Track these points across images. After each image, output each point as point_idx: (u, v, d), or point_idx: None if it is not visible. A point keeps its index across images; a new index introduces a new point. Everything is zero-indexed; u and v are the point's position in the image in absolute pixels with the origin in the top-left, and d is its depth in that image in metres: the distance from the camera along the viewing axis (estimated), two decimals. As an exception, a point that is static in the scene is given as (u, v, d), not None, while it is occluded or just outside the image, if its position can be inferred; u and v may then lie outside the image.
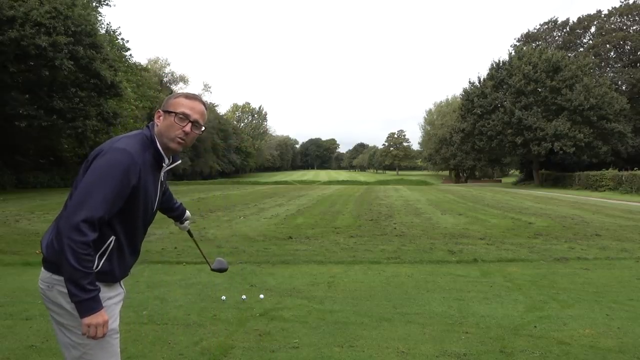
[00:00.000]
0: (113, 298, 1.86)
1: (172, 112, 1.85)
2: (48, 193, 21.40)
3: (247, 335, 3.63)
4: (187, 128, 1.86)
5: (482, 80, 45.26)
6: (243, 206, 15.81)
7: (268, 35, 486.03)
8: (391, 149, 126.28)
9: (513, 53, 45.19)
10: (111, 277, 1.83)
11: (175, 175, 65.19)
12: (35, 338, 3.55)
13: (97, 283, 1.69)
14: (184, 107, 1.86)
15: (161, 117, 1.87)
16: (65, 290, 1.67)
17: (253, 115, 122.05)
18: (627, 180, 29.86)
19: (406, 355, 3.29)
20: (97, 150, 1.76)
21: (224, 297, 4.60)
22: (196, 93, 1.94)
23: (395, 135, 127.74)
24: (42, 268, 1.81)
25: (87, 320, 1.66)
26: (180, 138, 1.85)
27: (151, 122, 1.91)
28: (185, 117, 1.85)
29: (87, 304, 1.65)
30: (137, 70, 35.53)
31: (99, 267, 1.75)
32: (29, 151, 26.88)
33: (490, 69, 44.85)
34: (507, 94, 42.36)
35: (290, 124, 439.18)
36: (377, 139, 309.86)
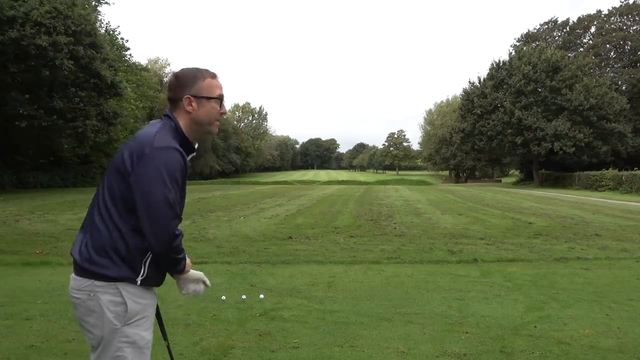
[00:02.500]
0: (152, 305, 1.79)
1: (209, 97, 1.74)
2: (48, 193, 21.40)
3: (247, 335, 3.63)
4: (225, 109, 1.82)
5: (482, 80, 45.26)
6: (243, 206, 15.81)
7: (268, 35, 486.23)
8: (391, 149, 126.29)
9: (513, 53, 45.21)
10: (155, 281, 1.77)
11: (175, 175, 65.23)
12: (35, 338, 3.55)
13: (138, 288, 1.69)
14: (219, 88, 1.78)
15: (194, 104, 1.73)
16: (112, 298, 1.63)
17: (253, 115, 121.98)
18: (627, 180, 29.86)
19: (406, 355, 3.29)
20: (138, 149, 1.61)
21: (224, 297, 4.60)
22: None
23: (395, 135, 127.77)
24: (76, 276, 1.67)
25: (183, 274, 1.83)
26: (218, 121, 1.80)
27: (168, 111, 1.77)
28: (221, 98, 1.79)
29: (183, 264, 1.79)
30: (137, 70, 35.49)
31: (146, 273, 1.68)
32: (29, 151, 26.84)
33: (490, 69, 44.85)
34: (507, 94, 42.36)
35: (290, 124, 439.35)
36: (377, 139, 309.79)
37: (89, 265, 1.63)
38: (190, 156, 1.79)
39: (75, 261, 1.68)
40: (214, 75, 1.79)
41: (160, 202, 1.57)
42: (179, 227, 1.70)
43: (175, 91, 1.75)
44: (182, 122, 1.74)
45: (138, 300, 1.67)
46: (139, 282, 1.67)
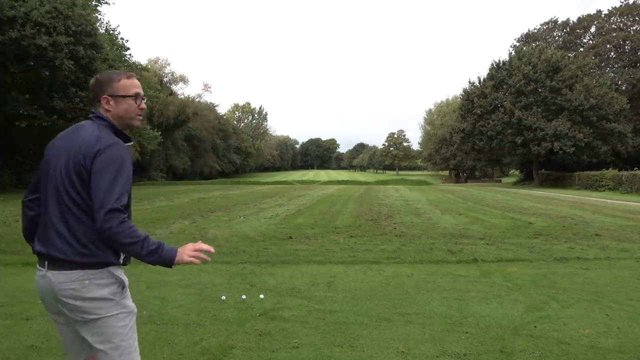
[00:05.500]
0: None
1: (125, 95, 1.95)
2: (48, 193, 21.36)
3: (247, 335, 3.63)
4: (143, 105, 2.01)
5: (482, 80, 45.25)
6: (243, 206, 15.81)
7: (268, 35, 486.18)
8: (391, 149, 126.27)
9: (513, 53, 45.17)
10: (129, 260, 1.98)
11: (175, 175, 65.29)
12: (35, 338, 3.55)
13: (121, 268, 1.93)
14: (134, 87, 1.98)
15: (111, 102, 1.93)
16: (107, 280, 1.84)
17: (253, 115, 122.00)
18: (627, 180, 29.85)
19: (406, 355, 3.29)
20: (91, 147, 1.81)
21: (224, 297, 4.60)
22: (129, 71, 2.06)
23: (395, 135, 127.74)
24: (64, 271, 1.81)
25: (178, 260, 1.89)
26: (139, 115, 2.01)
27: (95, 112, 1.96)
28: (138, 96, 1.98)
29: (166, 254, 1.85)
30: (137, 69, 35.48)
31: (124, 256, 1.92)
32: (29, 151, 26.84)
33: (490, 69, 44.83)
34: (507, 94, 42.35)
35: (290, 124, 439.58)
36: (377, 139, 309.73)
37: (80, 258, 1.80)
38: (129, 144, 1.98)
39: (56, 257, 1.82)
40: (129, 76, 1.99)
41: (106, 186, 1.79)
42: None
43: (95, 92, 1.96)
44: (112, 118, 1.97)
45: (124, 277, 1.94)
46: (121, 262, 1.93)
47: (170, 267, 1.89)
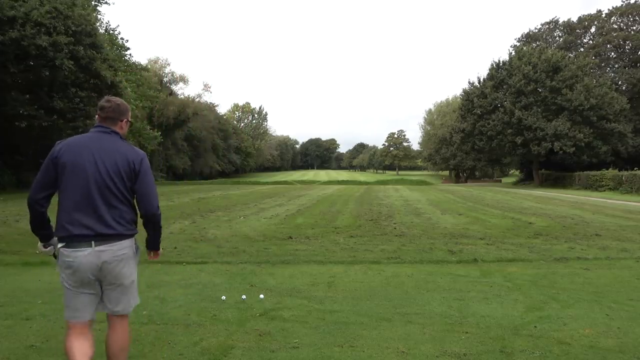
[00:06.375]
0: None
1: (128, 120, 2.74)
2: (48, 193, 21.35)
3: (247, 335, 3.63)
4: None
5: (481, 80, 45.26)
6: (243, 206, 15.82)
7: (268, 35, 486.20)
8: (391, 149, 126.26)
9: (513, 53, 45.14)
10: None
11: (176, 175, 65.29)
12: (35, 338, 3.55)
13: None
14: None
15: (125, 126, 2.74)
16: (135, 245, 2.67)
17: (253, 115, 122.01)
18: (627, 180, 29.85)
19: (406, 355, 3.29)
20: (137, 156, 2.62)
21: (224, 297, 4.60)
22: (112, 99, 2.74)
23: (395, 135, 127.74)
24: (112, 243, 2.50)
25: (160, 251, 2.86)
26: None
27: (113, 128, 2.65)
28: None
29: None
30: (136, 69, 35.47)
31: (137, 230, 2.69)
32: (29, 151, 26.83)
33: (490, 69, 44.81)
34: (507, 94, 42.32)
35: (290, 124, 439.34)
36: (377, 139, 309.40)
37: (125, 230, 2.55)
38: None
39: (107, 234, 2.49)
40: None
41: (152, 185, 2.68)
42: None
43: (118, 114, 2.66)
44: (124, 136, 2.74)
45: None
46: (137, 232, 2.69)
47: (158, 250, 2.83)
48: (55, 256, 2.59)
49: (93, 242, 2.44)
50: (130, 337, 2.78)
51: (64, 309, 2.57)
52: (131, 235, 2.59)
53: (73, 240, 2.44)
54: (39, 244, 2.64)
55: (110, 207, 2.48)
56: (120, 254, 2.52)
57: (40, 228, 2.58)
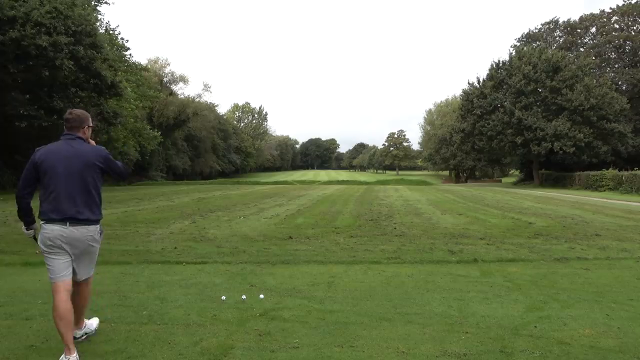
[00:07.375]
0: None
1: (89, 126, 3.42)
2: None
3: (247, 335, 3.63)
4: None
5: (481, 81, 45.28)
6: (243, 206, 15.81)
7: (268, 35, 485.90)
8: (391, 149, 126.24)
9: (513, 53, 45.21)
10: None
11: (176, 175, 65.32)
12: (35, 338, 3.55)
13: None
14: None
15: (87, 131, 3.41)
16: (100, 229, 3.38)
17: (253, 115, 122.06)
18: (627, 180, 29.85)
19: (406, 355, 3.29)
20: (99, 153, 3.35)
21: (224, 297, 4.60)
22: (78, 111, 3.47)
23: (395, 135, 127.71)
24: (86, 226, 3.22)
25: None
26: None
27: (76, 133, 3.33)
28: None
29: None
30: (136, 69, 35.48)
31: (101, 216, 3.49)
32: (29, 151, 26.78)
33: (490, 69, 44.86)
34: (507, 94, 42.36)
35: (290, 124, 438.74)
36: (377, 139, 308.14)
37: (93, 216, 3.26)
38: None
39: (79, 219, 3.18)
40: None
41: (118, 163, 3.47)
42: None
43: (80, 122, 3.33)
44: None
45: None
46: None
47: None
48: (35, 238, 3.30)
49: (68, 223, 3.15)
50: (90, 290, 3.62)
51: (48, 273, 3.26)
52: (97, 221, 3.29)
53: (54, 221, 3.15)
54: (23, 227, 3.38)
55: (80, 196, 3.18)
56: (88, 235, 3.23)
57: (25, 215, 3.32)
